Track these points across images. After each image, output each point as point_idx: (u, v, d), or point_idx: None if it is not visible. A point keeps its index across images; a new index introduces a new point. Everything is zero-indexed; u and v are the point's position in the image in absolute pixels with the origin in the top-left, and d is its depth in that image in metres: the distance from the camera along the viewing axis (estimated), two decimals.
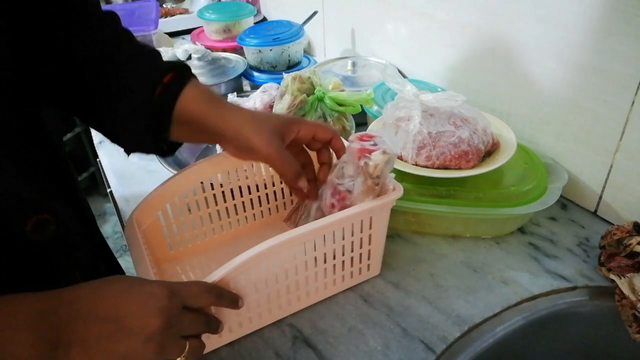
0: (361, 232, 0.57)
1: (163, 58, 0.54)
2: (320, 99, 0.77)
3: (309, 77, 0.78)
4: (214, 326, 0.47)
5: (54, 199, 0.48)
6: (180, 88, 0.51)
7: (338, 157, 0.57)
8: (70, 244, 0.49)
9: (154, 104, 0.50)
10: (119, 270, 0.67)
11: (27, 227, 0.43)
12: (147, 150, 0.56)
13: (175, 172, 0.65)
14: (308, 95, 0.78)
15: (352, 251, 0.58)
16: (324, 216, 0.58)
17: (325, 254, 0.56)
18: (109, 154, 0.97)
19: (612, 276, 0.58)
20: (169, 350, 0.40)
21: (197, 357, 0.43)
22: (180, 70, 0.52)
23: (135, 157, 0.95)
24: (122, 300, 0.39)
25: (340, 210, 0.55)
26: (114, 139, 0.56)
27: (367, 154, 0.52)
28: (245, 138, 0.51)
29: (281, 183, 0.71)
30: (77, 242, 0.51)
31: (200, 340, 0.44)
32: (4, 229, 0.42)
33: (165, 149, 0.55)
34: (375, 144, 0.52)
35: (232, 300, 0.49)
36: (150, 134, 0.52)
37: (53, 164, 0.52)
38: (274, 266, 0.53)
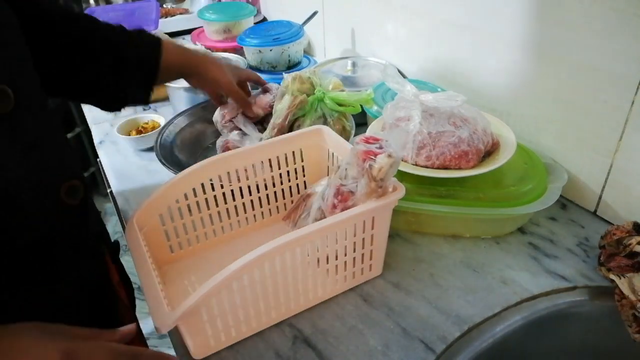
0: (363, 232, 0.57)
1: None
2: (320, 99, 0.77)
3: (309, 78, 0.78)
4: None
5: (79, 170, 0.54)
6: (160, 48, 0.69)
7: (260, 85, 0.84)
8: (90, 211, 0.56)
9: (141, 62, 0.67)
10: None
11: (62, 192, 0.49)
12: (135, 102, 0.72)
13: (176, 173, 0.65)
14: (308, 96, 0.78)
15: (355, 251, 0.58)
16: (324, 216, 0.58)
17: (327, 254, 0.56)
18: (109, 154, 0.97)
19: (611, 276, 0.58)
20: None
21: None
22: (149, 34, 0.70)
23: (135, 157, 0.95)
24: (14, 354, 0.37)
25: (341, 211, 0.55)
26: (100, 102, 0.69)
27: (372, 157, 0.52)
28: (213, 76, 0.75)
29: (281, 184, 0.71)
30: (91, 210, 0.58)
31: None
32: (44, 193, 0.47)
33: (150, 97, 0.71)
34: (380, 147, 0.52)
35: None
36: (142, 86, 0.69)
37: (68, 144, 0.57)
38: (277, 268, 0.53)
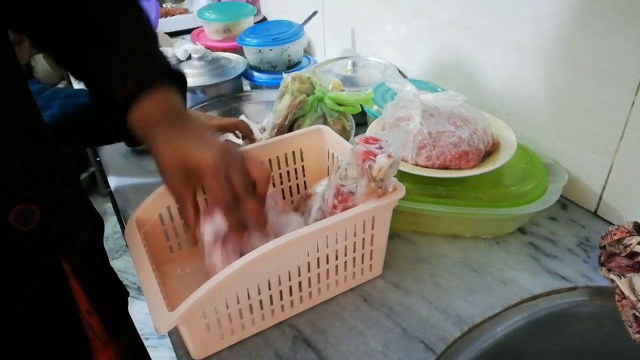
0: (364, 232, 0.57)
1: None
2: (320, 99, 0.77)
3: (309, 77, 0.78)
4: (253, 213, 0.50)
5: (43, 188, 0.47)
6: (130, 102, 0.52)
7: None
8: (62, 235, 0.48)
9: (115, 104, 0.52)
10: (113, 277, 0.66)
11: (11, 217, 0.42)
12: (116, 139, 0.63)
13: None
14: (308, 96, 0.78)
15: (355, 251, 0.58)
16: (324, 216, 0.58)
17: (328, 254, 0.56)
18: (109, 154, 0.97)
19: (612, 276, 0.58)
20: (223, 185, 0.48)
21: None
22: (143, 78, 0.53)
23: (135, 157, 0.95)
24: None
25: (342, 211, 0.55)
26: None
27: (372, 157, 0.52)
28: (162, 175, 0.53)
29: (281, 184, 0.71)
30: (71, 232, 0.51)
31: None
32: None
33: (130, 142, 0.58)
34: (380, 147, 0.52)
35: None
36: (114, 128, 0.54)
37: (45, 152, 0.50)
38: (278, 267, 0.53)
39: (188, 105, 0.99)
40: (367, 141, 0.54)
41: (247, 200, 0.51)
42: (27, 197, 0.44)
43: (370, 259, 0.61)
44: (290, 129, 0.78)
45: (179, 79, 0.57)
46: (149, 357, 0.72)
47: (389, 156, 0.51)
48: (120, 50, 0.53)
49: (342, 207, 0.55)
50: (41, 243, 0.45)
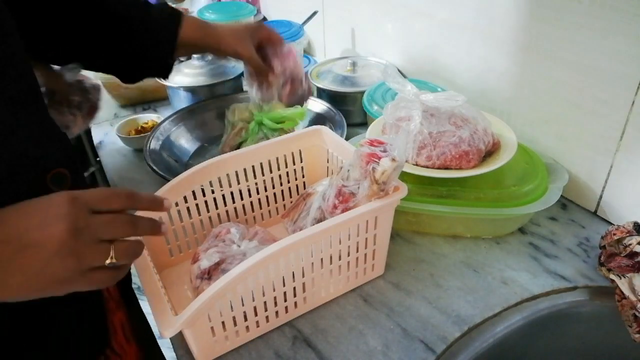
0: (367, 232, 0.57)
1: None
2: (260, 123, 0.83)
3: (247, 107, 0.84)
4: (145, 226, 0.43)
5: (68, 158, 0.50)
6: (179, 21, 0.69)
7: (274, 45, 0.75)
8: None
9: (158, 34, 0.67)
10: None
11: (48, 178, 0.45)
12: (153, 74, 0.73)
13: (164, 177, 0.64)
14: (249, 122, 0.83)
15: (358, 251, 0.58)
16: (323, 215, 0.58)
17: (331, 255, 0.56)
18: (109, 154, 0.97)
19: (612, 276, 0.58)
20: (88, 257, 0.38)
21: (132, 258, 0.41)
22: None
23: (135, 157, 0.95)
24: (20, 217, 0.37)
25: (342, 211, 0.55)
26: (118, 73, 0.70)
27: (375, 159, 0.52)
28: (234, 50, 0.72)
29: (281, 185, 0.71)
30: None
31: (128, 241, 0.41)
32: (29, 178, 0.44)
33: (169, 71, 0.72)
34: (385, 150, 0.52)
35: (152, 201, 0.45)
36: (161, 59, 0.69)
37: (59, 131, 0.53)
38: (282, 269, 0.53)
39: (187, 104, 1.00)
40: (371, 144, 0.54)
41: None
42: (60, 162, 0.47)
43: (373, 258, 0.61)
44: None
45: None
46: (152, 329, 0.73)
47: (393, 160, 0.51)
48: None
49: (343, 207, 0.55)
50: None
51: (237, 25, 0.80)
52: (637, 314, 0.54)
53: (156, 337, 0.73)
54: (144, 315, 0.72)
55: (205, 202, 0.65)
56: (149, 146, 0.86)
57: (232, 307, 0.51)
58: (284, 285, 0.54)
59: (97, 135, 1.04)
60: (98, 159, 1.06)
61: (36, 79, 0.48)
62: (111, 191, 0.41)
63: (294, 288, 0.55)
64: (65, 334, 0.50)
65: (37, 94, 0.48)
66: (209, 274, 0.55)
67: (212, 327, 0.51)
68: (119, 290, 0.61)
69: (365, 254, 0.59)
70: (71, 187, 0.49)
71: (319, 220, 0.58)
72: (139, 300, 0.72)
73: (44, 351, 0.48)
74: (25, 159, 0.45)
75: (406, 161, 0.69)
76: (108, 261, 0.38)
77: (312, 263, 0.55)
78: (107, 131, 1.04)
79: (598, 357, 0.64)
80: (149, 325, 0.73)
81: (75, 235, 0.37)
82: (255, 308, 0.53)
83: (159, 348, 0.74)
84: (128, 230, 0.41)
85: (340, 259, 0.57)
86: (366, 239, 0.58)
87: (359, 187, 0.54)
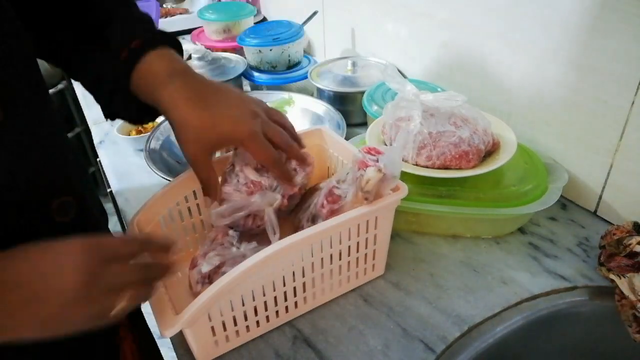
0: (367, 232, 0.57)
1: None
2: None
3: None
4: (157, 271, 0.43)
5: (75, 185, 0.49)
6: (138, 56, 0.50)
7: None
8: (90, 229, 0.50)
9: (116, 70, 0.51)
10: None
11: (53, 207, 0.44)
12: (118, 115, 0.57)
13: (164, 177, 0.64)
14: None
15: (358, 252, 0.58)
16: (316, 213, 0.58)
17: (332, 254, 0.56)
18: (109, 154, 0.97)
19: (611, 276, 0.58)
20: (100, 307, 0.38)
21: (142, 302, 0.42)
22: (149, 38, 0.52)
23: (135, 157, 0.95)
24: (33, 264, 0.36)
25: (328, 211, 0.55)
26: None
27: (363, 167, 0.52)
28: (177, 139, 0.52)
29: None
30: (95, 222, 0.53)
31: (139, 289, 0.41)
32: (32, 208, 0.43)
33: (125, 114, 0.56)
34: (377, 160, 0.52)
35: (162, 246, 0.45)
36: (115, 100, 0.53)
37: (68, 153, 0.52)
38: (281, 269, 0.53)
39: None
40: (368, 151, 0.54)
41: (293, 147, 0.55)
42: (65, 190, 0.46)
43: (373, 258, 0.61)
44: None
45: (178, 46, 0.56)
46: (159, 352, 0.73)
47: (379, 170, 0.51)
48: (119, 23, 0.52)
49: (329, 207, 0.55)
50: (75, 233, 0.46)
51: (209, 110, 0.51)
52: (636, 313, 0.54)
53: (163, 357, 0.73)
54: (151, 335, 0.72)
55: (206, 201, 0.65)
56: (149, 146, 0.86)
57: (232, 307, 0.51)
58: (284, 285, 0.54)
59: (97, 135, 1.04)
60: (98, 159, 1.05)
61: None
62: (124, 240, 0.43)
63: (294, 288, 0.55)
64: None
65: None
66: (210, 278, 0.55)
67: (212, 327, 0.51)
68: (127, 316, 0.61)
69: (366, 254, 0.59)
70: (76, 215, 0.47)
71: (313, 216, 0.58)
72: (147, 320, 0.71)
73: None
74: (29, 183, 0.43)
75: (406, 161, 0.69)
76: (118, 307, 0.39)
77: (313, 263, 0.55)
78: (107, 131, 1.04)
79: (598, 357, 0.64)
80: (156, 345, 0.72)
81: (89, 286, 0.37)
82: (255, 308, 0.54)
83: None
84: (142, 276, 0.42)
85: (340, 259, 0.57)
86: (366, 239, 0.58)
87: (347, 192, 0.54)
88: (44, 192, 0.44)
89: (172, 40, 0.54)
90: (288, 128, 0.57)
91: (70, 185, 0.47)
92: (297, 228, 0.60)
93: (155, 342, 0.72)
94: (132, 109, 0.54)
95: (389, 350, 0.54)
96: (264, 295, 0.53)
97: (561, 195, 0.67)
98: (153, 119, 0.57)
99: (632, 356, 0.60)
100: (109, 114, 0.57)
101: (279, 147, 0.54)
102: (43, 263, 0.37)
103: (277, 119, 0.55)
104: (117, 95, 0.53)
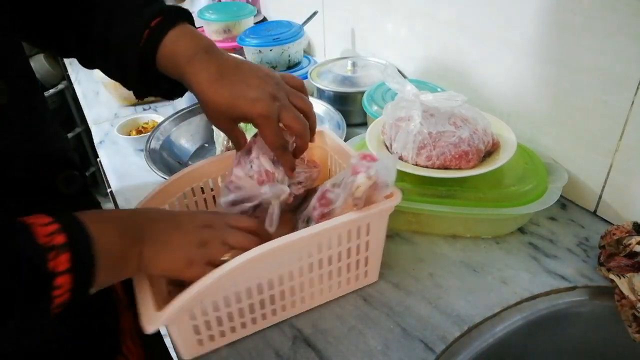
0: (358, 238, 0.56)
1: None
2: None
3: None
4: (251, 245, 0.49)
5: (76, 161, 0.52)
6: (161, 35, 0.51)
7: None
8: (91, 201, 0.56)
9: (140, 50, 0.51)
10: None
11: (58, 180, 0.48)
12: (144, 93, 0.57)
13: (171, 175, 0.64)
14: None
15: (349, 257, 0.57)
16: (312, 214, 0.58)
17: (322, 259, 0.55)
18: (109, 154, 0.97)
19: (611, 276, 0.58)
20: (211, 249, 0.48)
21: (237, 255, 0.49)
22: (168, 14, 0.52)
23: (135, 157, 0.95)
24: (177, 215, 0.50)
25: (319, 213, 0.54)
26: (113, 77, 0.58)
27: (355, 174, 0.52)
28: (203, 111, 0.54)
29: None
30: (94, 198, 0.58)
31: (243, 243, 0.49)
32: (40, 183, 0.46)
33: (158, 91, 0.57)
34: (369, 167, 0.52)
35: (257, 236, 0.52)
36: (141, 79, 0.54)
37: (62, 133, 0.55)
38: (269, 272, 0.52)
39: (187, 105, 1.00)
40: (364, 157, 0.53)
41: (306, 135, 0.55)
42: (69, 165, 0.50)
43: (366, 265, 0.60)
44: None
45: (191, 18, 0.55)
46: (160, 332, 0.73)
47: (369, 177, 0.51)
48: (130, 8, 0.53)
49: (320, 211, 0.55)
50: (80, 207, 0.46)
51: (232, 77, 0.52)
52: (636, 313, 0.54)
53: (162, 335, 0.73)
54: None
55: (205, 199, 0.65)
56: (149, 146, 0.86)
57: (217, 306, 0.51)
58: (273, 286, 0.54)
59: (97, 135, 1.04)
60: (98, 159, 1.06)
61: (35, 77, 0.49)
62: (246, 218, 0.53)
63: (283, 290, 0.55)
64: (81, 342, 0.50)
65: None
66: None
67: (195, 326, 0.51)
68: (127, 294, 0.62)
69: (358, 260, 0.58)
70: (81, 188, 0.51)
71: (308, 218, 0.58)
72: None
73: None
74: (35, 160, 0.46)
75: (406, 161, 0.69)
76: (224, 258, 0.49)
77: (301, 267, 0.54)
78: (108, 131, 1.05)
79: (598, 357, 0.64)
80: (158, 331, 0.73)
81: (210, 232, 0.49)
82: (241, 309, 0.53)
83: (165, 346, 0.74)
84: (245, 244, 0.50)
85: (330, 264, 0.56)
86: (358, 245, 0.57)
87: (339, 196, 0.54)
88: (49, 167, 0.48)
89: (185, 14, 0.55)
90: (307, 113, 0.56)
91: (72, 161, 0.51)
92: (293, 227, 0.60)
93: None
94: (162, 84, 0.56)
95: (388, 350, 0.54)
96: (251, 296, 0.53)
97: (561, 195, 0.67)
98: (181, 95, 0.59)
99: (632, 356, 0.60)
100: (139, 93, 0.57)
101: (292, 134, 0.55)
102: (180, 214, 0.51)
103: (297, 103, 0.54)
104: (145, 74, 0.53)
